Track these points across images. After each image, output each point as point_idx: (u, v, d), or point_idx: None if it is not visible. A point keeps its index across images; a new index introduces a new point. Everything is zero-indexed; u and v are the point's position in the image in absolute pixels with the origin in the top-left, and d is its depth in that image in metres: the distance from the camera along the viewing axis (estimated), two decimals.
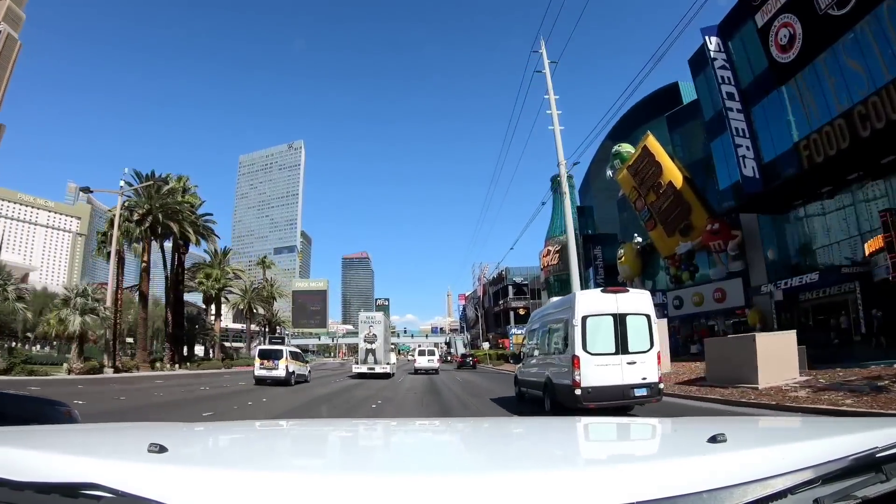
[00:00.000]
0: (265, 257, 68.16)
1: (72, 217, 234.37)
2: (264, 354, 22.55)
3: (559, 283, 61.42)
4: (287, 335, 76.12)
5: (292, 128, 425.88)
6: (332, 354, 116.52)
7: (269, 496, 0.92)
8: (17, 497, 0.97)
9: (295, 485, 0.98)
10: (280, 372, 21.47)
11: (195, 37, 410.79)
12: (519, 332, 69.23)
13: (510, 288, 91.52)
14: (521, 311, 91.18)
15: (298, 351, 27.64)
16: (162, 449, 1.13)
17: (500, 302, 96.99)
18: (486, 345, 55.29)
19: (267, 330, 72.50)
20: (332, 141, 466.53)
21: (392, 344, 38.32)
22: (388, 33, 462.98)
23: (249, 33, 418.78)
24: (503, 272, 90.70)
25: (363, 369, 26.18)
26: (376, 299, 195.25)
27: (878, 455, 1.11)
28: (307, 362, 28.46)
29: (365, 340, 27.04)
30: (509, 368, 31.49)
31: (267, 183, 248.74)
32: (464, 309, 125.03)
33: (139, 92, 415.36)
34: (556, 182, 70.33)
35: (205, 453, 1.62)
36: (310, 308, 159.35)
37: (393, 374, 27.88)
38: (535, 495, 0.92)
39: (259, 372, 21.68)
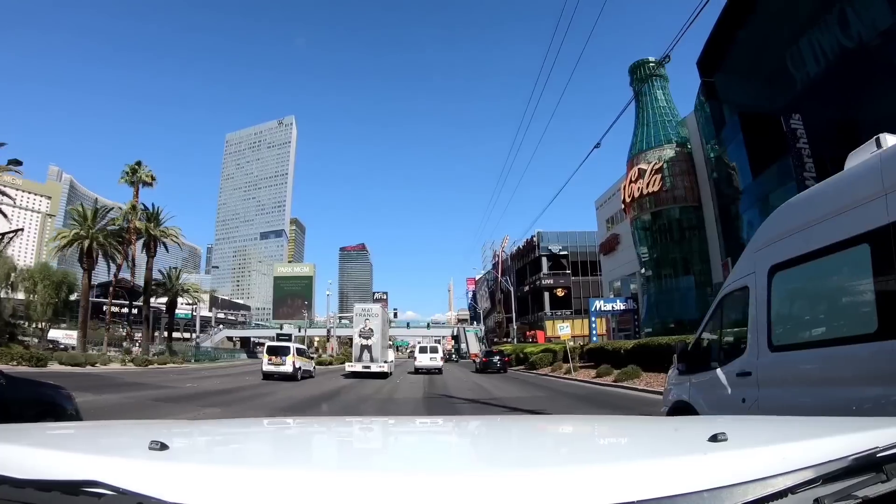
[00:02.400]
0: (139, 162, 41.26)
1: (41, 196, 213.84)
2: (272, 351, 23.36)
3: (664, 227, 34.64)
4: (211, 318, 53.67)
5: (287, 113, 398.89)
6: (317, 351, 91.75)
7: (271, 494, 0.92)
8: (17, 494, 0.97)
9: (297, 482, 0.97)
10: (287, 368, 22.31)
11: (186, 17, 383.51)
12: (610, 305, 42.45)
13: (544, 261, 65.58)
14: (561, 293, 65.25)
15: (304, 348, 29.44)
16: (163, 446, 1.12)
17: (529, 281, 70.56)
18: (564, 329, 29.67)
19: (130, 308, 46.38)
20: (329, 131, 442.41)
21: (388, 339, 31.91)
22: (387, 11, 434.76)
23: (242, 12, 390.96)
24: (534, 238, 65.14)
25: (357, 368, 23.93)
26: (374, 292, 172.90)
27: (878, 455, 1.12)
28: (312, 359, 29.51)
29: (360, 336, 24.61)
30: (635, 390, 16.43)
31: (254, 162, 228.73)
32: (473, 295, 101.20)
33: (120, 66, 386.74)
34: (638, 71, 41.64)
35: (206, 451, 1.62)
36: (294, 297, 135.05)
37: (390, 373, 25.79)
38: (536, 494, 0.91)
39: (267, 367, 22.42)
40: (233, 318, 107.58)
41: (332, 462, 1.52)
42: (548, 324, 62.88)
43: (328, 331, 63.77)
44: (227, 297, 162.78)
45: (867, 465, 1.10)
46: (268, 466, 1.27)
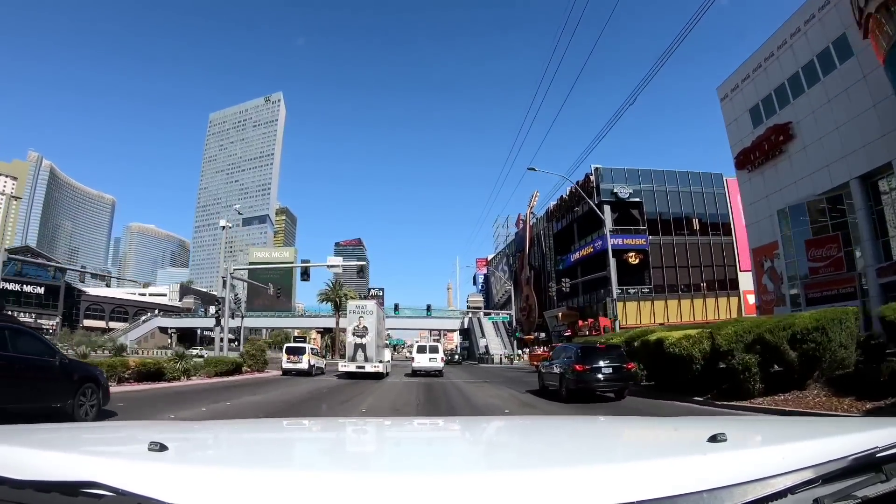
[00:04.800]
0: None
1: (5, 177, 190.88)
2: (291, 351, 26.39)
3: None
4: None
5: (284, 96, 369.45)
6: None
7: (270, 494, 0.93)
8: (17, 495, 0.98)
9: (296, 483, 0.98)
10: (303, 365, 25.41)
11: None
12: None
13: (606, 211, 40.47)
14: (634, 258, 41.47)
15: (317, 348, 33.62)
16: (162, 447, 1.14)
17: (581, 246, 45.99)
18: None
19: None
20: (324, 125, 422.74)
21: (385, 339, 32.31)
22: None
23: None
24: (590, 178, 40.68)
25: (351, 368, 22.89)
26: (369, 289, 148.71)
27: (878, 455, 1.13)
28: (324, 357, 34.27)
29: (354, 334, 23.21)
30: None
31: (239, 143, 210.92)
32: (485, 280, 78.83)
33: (98, 44, 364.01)
34: None
35: (205, 452, 1.63)
36: (272, 285, 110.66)
37: (387, 374, 25.00)
38: (535, 494, 0.92)
39: (286, 365, 25.57)
40: (177, 305, 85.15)
41: (331, 463, 1.51)
42: (619, 307, 39.85)
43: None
44: (203, 289, 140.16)
45: (867, 465, 1.10)
46: (267, 467, 1.27)
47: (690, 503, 0.94)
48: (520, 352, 49.32)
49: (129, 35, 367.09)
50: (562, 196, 48.20)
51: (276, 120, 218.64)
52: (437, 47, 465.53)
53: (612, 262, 40.38)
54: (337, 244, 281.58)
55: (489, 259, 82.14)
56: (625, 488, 0.93)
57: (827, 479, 1.05)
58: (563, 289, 35.03)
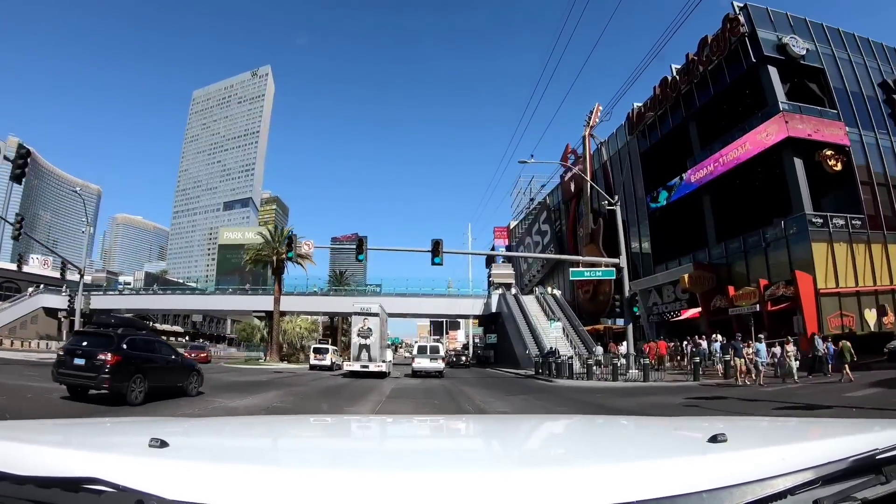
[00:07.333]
0: None
1: None
2: (317, 350, 34.42)
3: None
4: None
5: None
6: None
7: (270, 491, 0.94)
8: (18, 491, 1.00)
9: (297, 480, 1.00)
10: (327, 362, 32.74)
11: None
12: None
13: (773, 75, 15.72)
14: (835, 163, 16.33)
15: (337, 349, 38.24)
16: (163, 444, 1.15)
17: (708, 153, 21.54)
18: None
19: None
20: (325, 116, 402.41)
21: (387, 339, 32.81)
22: None
23: None
24: (734, 22, 16.66)
25: (356, 367, 23.86)
26: (367, 285, 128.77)
27: (878, 457, 1.14)
28: (343, 356, 36.69)
29: (358, 335, 24.23)
30: None
31: (222, 121, 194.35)
32: (507, 251, 59.51)
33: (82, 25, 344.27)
34: None
35: (206, 448, 1.63)
36: (244, 271, 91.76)
37: (388, 373, 25.92)
38: (535, 494, 0.94)
39: (313, 361, 33.17)
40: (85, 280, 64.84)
41: (331, 460, 1.51)
42: (816, 251, 20.01)
43: None
44: (174, 278, 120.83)
45: (867, 466, 1.11)
46: (267, 464, 1.29)
47: (690, 503, 0.95)
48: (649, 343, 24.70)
49: (126, 30, 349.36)
50: (665, 79, 29.53)
51: (263, 95, 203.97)
52: (441, 45, 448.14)
53: (797, 165, 21.09)
54: (333, 239, 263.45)
55: (511, 227, 63.23)
56: (624, 488, 0.93)
57: (827, 480, 1.05)
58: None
